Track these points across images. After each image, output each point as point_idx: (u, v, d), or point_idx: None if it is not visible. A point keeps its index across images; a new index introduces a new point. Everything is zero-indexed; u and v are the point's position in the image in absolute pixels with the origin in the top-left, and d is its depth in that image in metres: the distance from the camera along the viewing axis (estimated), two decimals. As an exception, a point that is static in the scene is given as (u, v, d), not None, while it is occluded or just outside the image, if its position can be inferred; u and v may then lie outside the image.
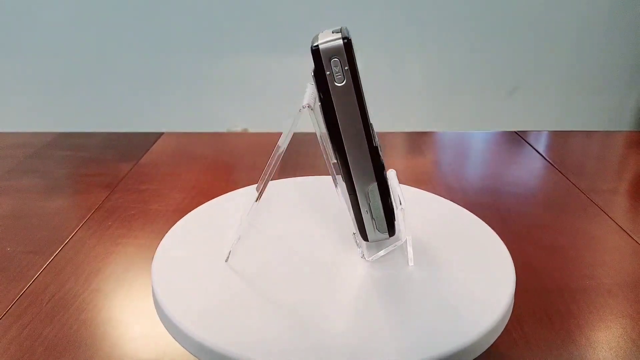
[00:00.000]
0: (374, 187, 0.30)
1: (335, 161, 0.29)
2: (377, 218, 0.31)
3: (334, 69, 0.27)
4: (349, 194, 0.30)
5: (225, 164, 0.54)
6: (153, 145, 0.60)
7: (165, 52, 1.36)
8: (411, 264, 0.32)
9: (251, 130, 1.40)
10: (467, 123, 1.46)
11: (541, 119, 1.46)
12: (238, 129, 1.42)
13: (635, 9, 1.33)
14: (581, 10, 1.33)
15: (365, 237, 0.32)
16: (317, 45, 0.26)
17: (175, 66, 1.38)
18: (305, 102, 0.28)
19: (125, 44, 1.35)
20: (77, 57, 1.36)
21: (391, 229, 0.31)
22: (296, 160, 0.54)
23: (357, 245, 0.32)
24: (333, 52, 0.26)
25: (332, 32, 0.27)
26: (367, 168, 0.29)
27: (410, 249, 0.32)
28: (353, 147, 0.29)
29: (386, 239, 0.32)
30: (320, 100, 0.28)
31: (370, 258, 0.32)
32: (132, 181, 0.50)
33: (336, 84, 0.27)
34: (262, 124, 1.38)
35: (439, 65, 1.40)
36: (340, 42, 0.26)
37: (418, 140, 0.61)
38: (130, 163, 0.54)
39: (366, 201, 0.30)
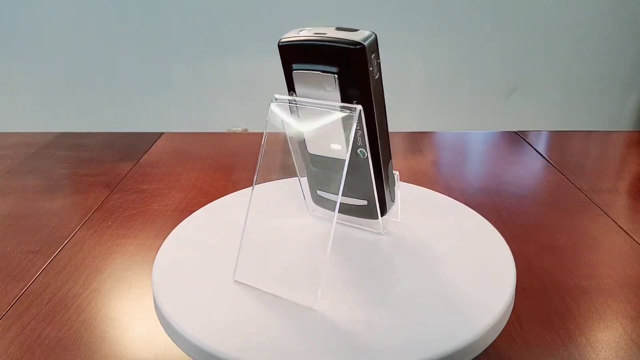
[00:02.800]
0: (391, 163, 0.32)
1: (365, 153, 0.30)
2: (392, 190, 0.33)
3: (374, 62, 0.27)
4: (376, 178, 0.31)
5: (225, 164, 0.54)
6: (153, 145, 0.60)
7: (166, 53, 1.36)
8: (399, 219, 0.35)
9: (251, 130, 1.40)
10: (467, 123, 1.46)
11: (541, 119, 1.46)
12: (238, 129, 1.42)
13: (635, 9, 1.33)
14: (581, 10, 1.33)
15: (384, 211, 0.33)
16: (363, 44, 0.26)
17: (175, 66, 1.38)
18: (359, 107, 0.28)
19: (125, 44, 1.35)
20: (78, 57, 1.36)
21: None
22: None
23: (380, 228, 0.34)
24: (373, 48, 0.27)
25: (338, 30, 0.27)
26: (388, 148, 0.31)
27: (399, 205, 0.35)
28: (382, 132, 0.30)
29: (392, 205, 0.34)
30: (355, 98, 0.28)
31: (386, 230, 0.34)
32: (132, 181, 0.50)
33: (375, 77, 0.27)
34: (262, 124, 1.38)
35: (439, 65, 1.40)
36: (374, 36, 0.27)
37: (418, 140, 0.61)
38: (130, 163, 0.54)
39: (387, 178, 0.32)
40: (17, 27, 1.32)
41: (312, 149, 0.32)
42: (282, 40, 0.28)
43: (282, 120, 0.31)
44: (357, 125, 0.28)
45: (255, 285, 0.29)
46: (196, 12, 1.31)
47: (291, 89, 0.30)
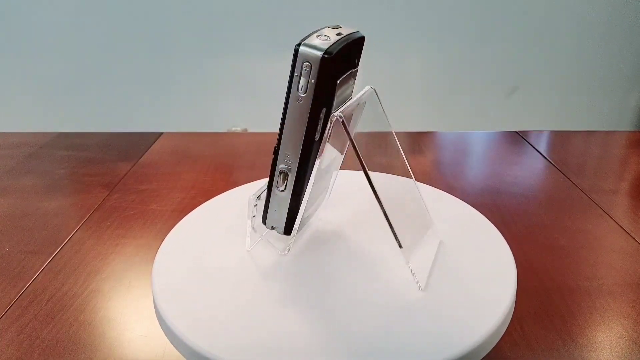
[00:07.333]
0: None
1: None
2: None
3: None
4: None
5: (225, 164, 0.54)
6: (153, 145, 0.59)
7: (166, 53, 1.36)
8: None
9: (251, 130, 1.40)
10: (467, 123, 1.45)
11: (542, 119, 1.46)
12: (238, 129, 1.42)
13: (635, 9, 1.33)
14: (581, 10, 1.33)
15: None
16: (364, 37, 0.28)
17: (175, 66, 1.38)
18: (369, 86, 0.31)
19: (125, 44, 1.35)
20: (78, 57, 1.36)
21: None
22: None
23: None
24: None
25: (342, 28, 0.27)
26: None
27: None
28: None
29: None
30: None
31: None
32: (131, 181, 0.50)
33: None
34: (262, 124, 1.38)
35: (439, 65, 1.40)
36: None
37: (418, 140, 0.61)
38: (130, 163, 0.54)
39: None
40: (17, 27, 1.32)
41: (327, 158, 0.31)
42: (327, 52, 0.24)
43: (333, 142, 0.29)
44: None
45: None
46: (196, 12, 1.31)
47: (324, 104, 0.26)
